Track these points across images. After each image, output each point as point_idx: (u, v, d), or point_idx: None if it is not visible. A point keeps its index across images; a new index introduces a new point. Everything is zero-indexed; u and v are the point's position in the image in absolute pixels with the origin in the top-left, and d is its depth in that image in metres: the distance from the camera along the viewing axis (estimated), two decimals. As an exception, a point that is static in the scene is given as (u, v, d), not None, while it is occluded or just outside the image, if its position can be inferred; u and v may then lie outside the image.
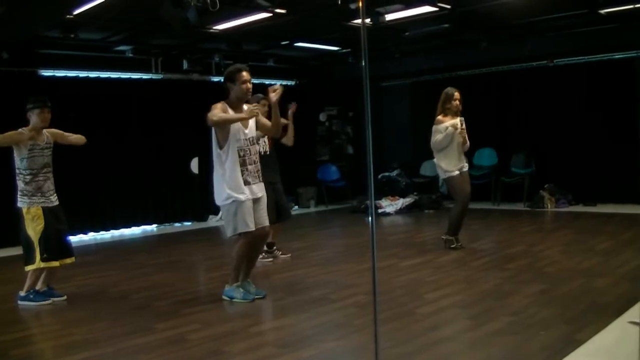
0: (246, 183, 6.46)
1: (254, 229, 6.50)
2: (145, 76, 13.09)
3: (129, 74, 12.82)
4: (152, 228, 13.05)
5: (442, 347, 4.93)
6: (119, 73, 12.63)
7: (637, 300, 5.60)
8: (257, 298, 6.72)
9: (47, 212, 6.84)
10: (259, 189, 6.64)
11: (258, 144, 6.89)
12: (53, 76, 11.76)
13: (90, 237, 11.75)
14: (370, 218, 3.09)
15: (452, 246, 9.07)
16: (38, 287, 6.97)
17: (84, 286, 7.66)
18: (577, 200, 13.32)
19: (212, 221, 13.85)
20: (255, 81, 14.47)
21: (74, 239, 11.44)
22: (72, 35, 10.19)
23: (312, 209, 15.18)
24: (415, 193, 14.71)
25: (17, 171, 6.83)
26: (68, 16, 9.30)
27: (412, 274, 7.66)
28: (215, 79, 14.13)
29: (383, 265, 8.07)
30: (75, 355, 5.08)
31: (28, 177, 6.79)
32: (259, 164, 6.67)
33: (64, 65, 11.85)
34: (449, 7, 9.85)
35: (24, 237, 6.80)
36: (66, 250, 7.08)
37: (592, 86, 13.08)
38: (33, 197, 6.80)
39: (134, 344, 5.36)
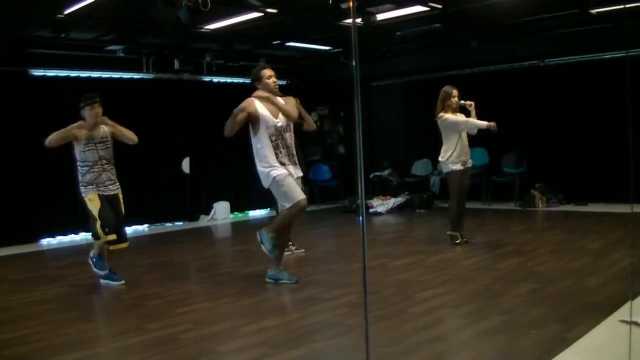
0: (282, 164, 7.03)
1: (301, 197, 7.02)
2: (136, 76, 13.07)
3: (120, 73, 12.79)
4: (143, 228, 13.04)
5: (434, 346, 4.94)
6: (110, 73, 12.61)
7: (628, 299, 5.62)
8: (289, 283, 7.30)
9: (103, 198, 7.46)
10: (295, 170, 7.18)
11: (290, 131, 7.26)
12: (44, 76, 11.73)
13: (82, 236, 11.70)
14: (361, 218, 3.08)
15: (457, 242, 9.22)
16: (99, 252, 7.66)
17: (76, 286, 7.65)
18: (568, 200, 13.35)
19: (204, 221, 13.86)
20: (247, 81, 14.62)
21: (66, 239, 11.47)
22: (63, 35, 10.15)
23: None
24: (406, 192, 14.73)
25: (76, 163, 7.53)
26: (59, 15, 9.28)
27: (403, 273, 7.67)
28: (207, 78, 14.14)
29: (374, 265, 8.10)
30: (67, 355, 5.07)
31: (84, 169, 7.44)
32: (292, 148, 7.23)
33: (54, 65, 11.82)
34: (440, 7, 9.88)
35: (89, 215, 7.44)
36: (120, 235, 7.62)
37: (582, 86, 13.13)
38: (88, 187, 7.44)
39: (125, 344, 5.36)
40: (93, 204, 7.38)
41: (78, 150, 7.44)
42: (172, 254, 10.01)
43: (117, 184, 7.68)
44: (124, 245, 7.73)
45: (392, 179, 15.37)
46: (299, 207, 7.00)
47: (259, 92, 7.16)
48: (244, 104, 7.06)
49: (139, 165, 12.77)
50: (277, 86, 7.21)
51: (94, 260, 7.58)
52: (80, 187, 7.47)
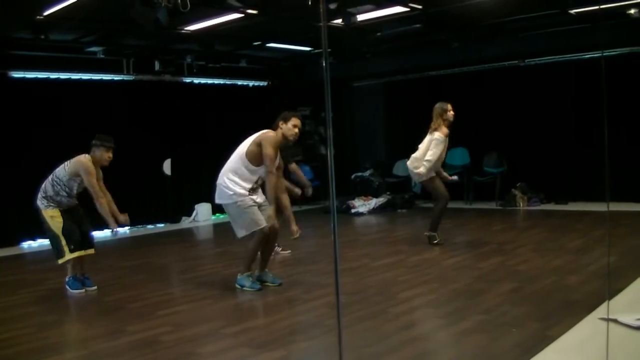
0: (249, 192, 7.01)
1: (265, 225, 6.94)
2: (116, 77, 13.00)
3: (101, 75, 12.72)
4: (124, 230, 12.96)
5: (415, 346, 4.95)
6: (91, 74, 12.53)
7: (607, 297, 5.66)
8: (272, 285, 7.24)
9: (63, 212, 7.30)
10: (258, 196, 7.13)
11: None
12: (24, 78, 11.63)
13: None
14: (332, 217, 3.09)
15: (435, 242, 9.28)
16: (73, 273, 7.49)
17: (57, 289, 7.59)
18: (549, 199, 13.44)
19: (185, 223, 13.82)
20: (228, 82, 14.62)
21: (47, 242, 11.37)
22: (43, 37, 10.11)
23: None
24: (388, 193, 14.77)
25: (58, 181, 7.27)
26: (38, 17, 9.23)
27: (384, 273, 7.69)
28: (188, 79, 14.10)
29: (356, 265, 8.12)
30: (48, 358, 5.05)
31: (61, 192, 7.26)
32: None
33: (34, 67, 11.72)
34: (420, 7, 9.90)
35: (50, 234, 7.32)
36: (87, 242, 7.45)
37: (563, 86, 13.20)
38: (51, 204, 7.27)
39: (106, 346, 5.34)
40: (55, 222, 7.23)
41: (75, 177, 7.23)
42: (154, 256, 9.98)
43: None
44: (91, 251, 7.53)
45: (373, 180, 15.38)
46: (263, 234, 6.96)
47: (279, 133, 7.04)
48: (277, 138, 7.00)
49: (120, 167, 12.67)
50: (296, 139, 7.14)
51: (69, 283, 7.44)
52: (42, 199, 7.29)
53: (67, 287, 7.44)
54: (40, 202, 7.29)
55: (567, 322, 5.20)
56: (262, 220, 6.94)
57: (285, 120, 7.02)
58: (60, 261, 7.30)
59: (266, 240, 7.09)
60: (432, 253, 8.81)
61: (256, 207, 6.98)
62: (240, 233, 7.05)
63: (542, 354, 4.56)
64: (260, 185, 7.13)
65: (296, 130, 7.02)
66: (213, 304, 6.64)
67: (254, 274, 7.24)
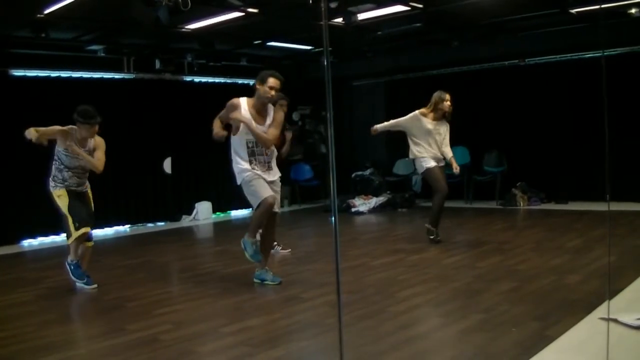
0: (254, 169, 7.00)
1: (268, 195, 6.90)
2: (117, 76, 12.99)
3: (101, 73, 12.71)
4: (124, 229, 12.98)
5: (414, 345, 4.95)
6: (91, 73, 12.52)
7: (607, 295, 5.65)
8: (272, 284, 7.23)
9: (72, 193, 7.34)
10: (269, 175, 7.12)
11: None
12: (24, 76, 11.64)
13: (62, 237, 11.60)
14: (333, 218, 3.09)
15: (432, 237, 9.31)
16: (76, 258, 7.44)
17: (57, 287, 7.59)
18: (549, 198, 13.43)
19: (186, 221, 13.82)
20: (229, 81, 14.60)
21: (47, 240, 11.42)
22: (43, 35, 10.10)
23: (286, 209, 15.12)
24: (388, 192, 14.77)
25: (56, 158, 7.36)
26: (39, 15, 9.23)
27: (384, 272, 7.69)
28: (188, 78, 14.10)
29: (355, 264, 8.12)
30: (47, 357, 5.04)
31: (60, 167, 7.32)
32: (271, 157, 7.18)
33: (35, 65, 11.72)
34: (420, 6, 9.90)
35: (60, 215, 7.35)
36: (92, 220, 7.50)
37: (563, 85, 13.20)
38: (58, 182, 7.32)
39: (106, 345, 5.34)
40: (62, 201, 7.27)
41: (59, 149, 7.28)
42: (154, 254, 9.97)
43: (87, 184, 7.59)
44: (89, 243, 7.51)
45: (374, 179, 15.38)
46: (266, 205, 6.86)
47: (254, 97, 7.03)
48: (232, 102, 7.00)
49: (120, 166, 12.71)
50: (271, 98, 7.03)
51: (72, 267, 7.39)
52: (50, 181, 7.35)
53: (69, 269, 7.42)
54: (50, 186, 7.37)
55: (566, 322, 5.20)
56: (266, 191, 6.91)
57: (262, 81, 6.94)
58: (69, 241, 7.31)
59: (269, 211, 6.97)
60: (432, 252, 8.80)
61: (261, 180, 6.95)
62: (255, 206, 7.04)
63: (542, 353, 4.55)
64: (268, 159, 7.14)
65: (272, 92, 6.94)
66: (212, 303, 6.64)
67: (257, 243, 7.18)
